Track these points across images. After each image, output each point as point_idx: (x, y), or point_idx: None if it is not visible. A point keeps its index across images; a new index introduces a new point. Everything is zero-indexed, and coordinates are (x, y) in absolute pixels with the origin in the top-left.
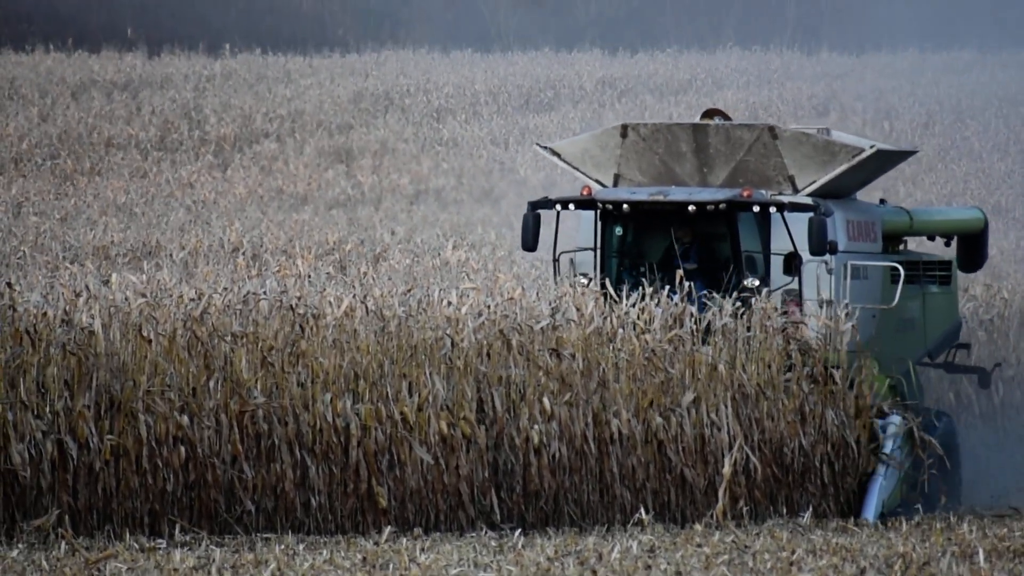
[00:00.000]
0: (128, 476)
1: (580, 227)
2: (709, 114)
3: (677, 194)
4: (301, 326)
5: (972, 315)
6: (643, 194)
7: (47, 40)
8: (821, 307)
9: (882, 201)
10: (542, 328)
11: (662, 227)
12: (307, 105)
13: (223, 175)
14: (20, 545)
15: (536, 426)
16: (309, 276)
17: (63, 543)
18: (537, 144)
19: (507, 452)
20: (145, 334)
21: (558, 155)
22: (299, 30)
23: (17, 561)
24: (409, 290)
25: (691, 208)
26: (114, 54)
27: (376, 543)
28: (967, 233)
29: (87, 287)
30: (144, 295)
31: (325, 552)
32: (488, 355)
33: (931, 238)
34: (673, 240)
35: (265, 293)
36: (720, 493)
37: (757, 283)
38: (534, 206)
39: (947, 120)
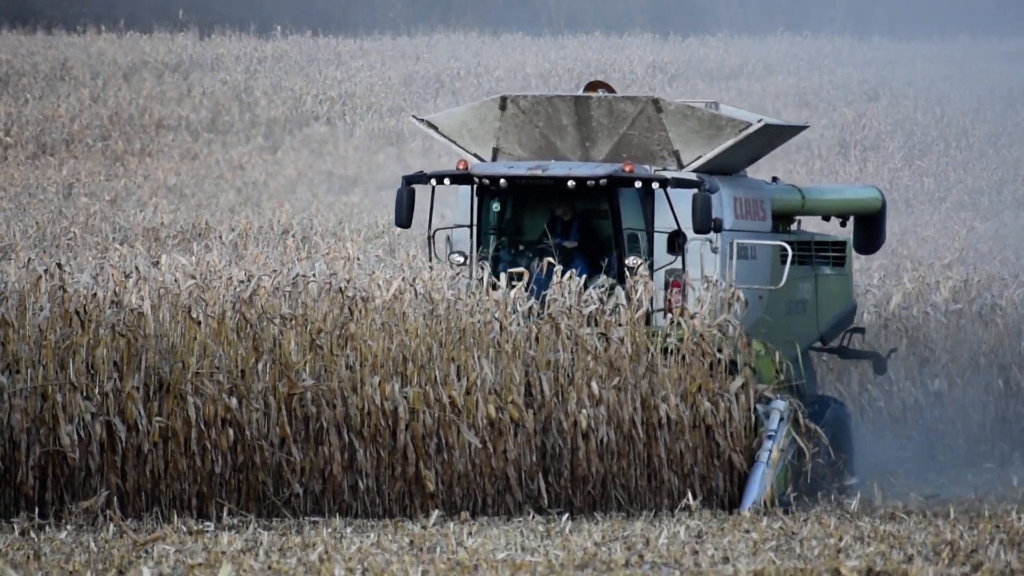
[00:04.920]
0: (176, 458)
1: (457, 203)
2: (592, 86)
3: (556, 169)
4: (350, 309)
5: None
6: (521, 168)
7: (99, 21)
8: (705, 287)
9: (774, 179)
10: (591, 312)
11: (541, 203)
12: (358, 87)
13: (273, 157)
14: (68, 527)
15: (584, 410)
16: (358, 259)
17: (111, 525)
18: (413, 116)
19: (555, 436)
20: (194, 316)
21: (435, 128)
22: (350, 12)
23: (65, 543)
24: (458, 274)
25: (570, 183)
26: (165, 35)
27: (423, 527)
28: (864, 213)
29: (137, 268)
30: (193, 277)
31: (372, 535)
32: (536, 339)
33: (827, 218)
34: (552, 217)
35: (314, 276)
36: (768, 479)
37: (639, 262)
38: (408, 180)
39: (998, 106)
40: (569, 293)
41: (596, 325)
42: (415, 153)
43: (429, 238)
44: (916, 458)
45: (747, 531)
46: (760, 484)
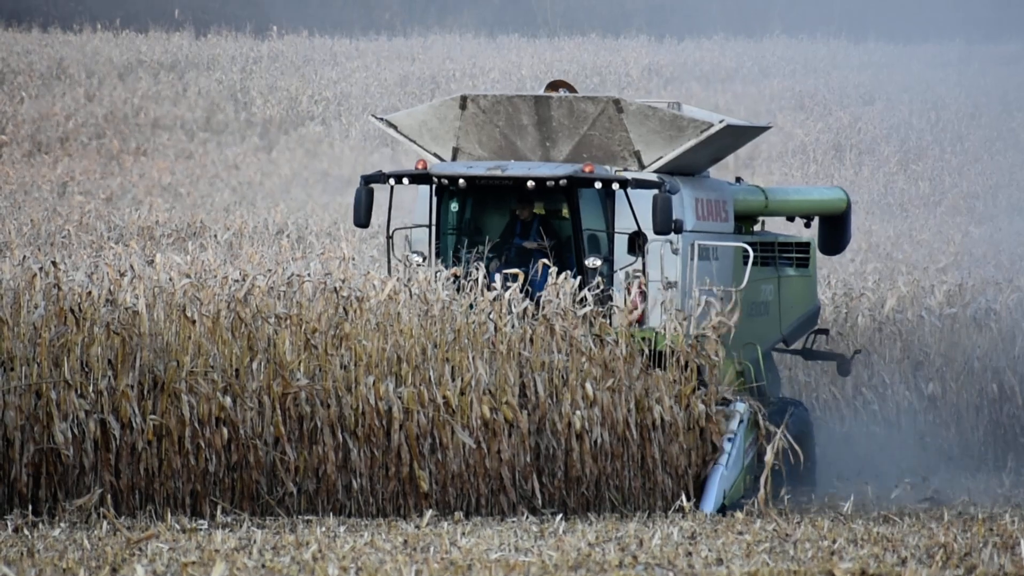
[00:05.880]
0: (170, 456)
1: (416, 203)
2: (554, 86)
3: (516, 169)
4: (345, 309)
5: None
6: (480, 168)
7: (95, 20)
8: (665, 289)
9: (738, 179)
10: (585, 314)
11: (501, 203)
12: (353, 88)
13: (268, 157)
14: (62, 524)
15: (578, 411)
16: (353, 259)
17: (105, 522)
18: (373, 116)
19: (549, 437)
20: (189, 315)
21: (395, 127)
22: (346, 13)
23: (59, 540)
24: (453, 274)
25: (530, 184)
26: (161, 34)
27: (417, 526)
28: (828, 214)
29: (132, 267)
30: (188, 276)
31: (366, 535)
32: (531, 340)
33: (791, 219)
34: (512, 217)
35: (309, 275)
36: (761, 481)
37: (599, 263)
38: (367, 180)
39: (994, 111)
40: (564, 294)
41: (591, 327)
42: (410, 154)
43: (388, 238)
44: (910, 461)
45: (740, 533)
46: (720, 486)
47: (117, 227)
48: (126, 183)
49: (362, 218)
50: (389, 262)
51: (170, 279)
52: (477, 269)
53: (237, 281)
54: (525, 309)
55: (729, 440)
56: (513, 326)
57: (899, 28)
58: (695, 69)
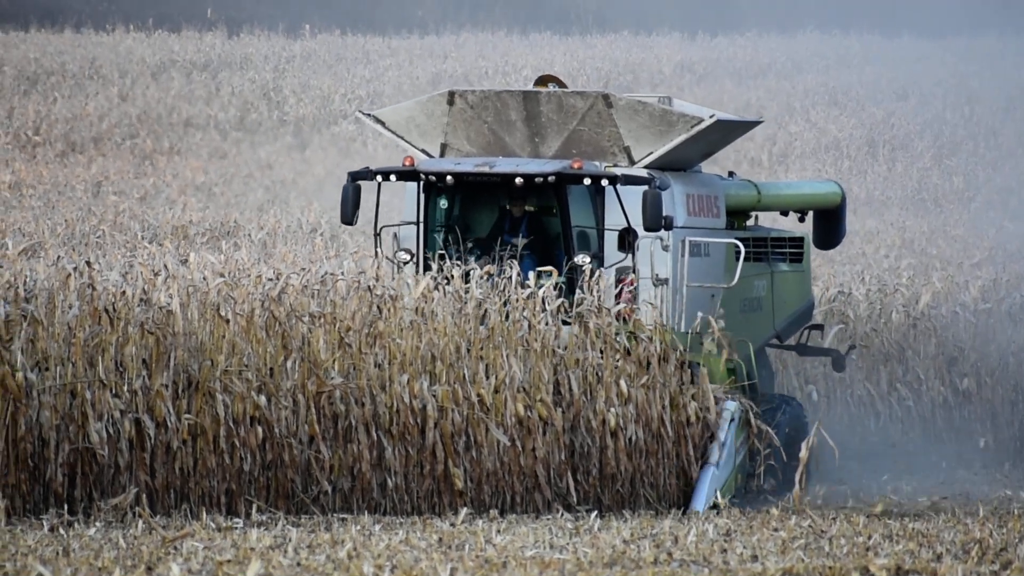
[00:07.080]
0: (205, 455)
1: (404, 200)
2: (543, 81)
3: (504, 165)
4: (379, 307)
5: None
6: (468, 165)
7: (127, 20)
8: (656, 286)
9: (731, 174)
10: (618, 311)
11: (489, 200)
12: (386, 87)
13: (302, 155)
14: (98, 523)
15: (613, 409)
16: (387, 257)
17: (140, 522)
18: (360, 112)
19: (583, 434)
20: (223, 314)
21: (382, 123)
22: (379, 11)
23: (95, 539)
24: (487, 272)
25: (518, 180)
26: (194, 34)
27: (452, 524)
28: (823, 208)
29: (166, 266)
30: (222, 275)
31: (401, 532)
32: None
33: (785, 214)
34: (501, 214)
35: (343, 274)
36: (796, 477)
37: (589, 260)
38: (354, 177)
39: None
40: (598, 291)
41: (624, 323)
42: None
43: (375, 235)
44: (945, 457)
45: (776, 529)
46: (711, 485)
47: (151, 227)
48: (160, 183)
49: (349, 215)
50: (377, 259)
51: (204, 278)
52: (511, 267)
53: (271, 280)
54: (559, 307)
55: (719, 439)
56: (547, 324)
57: (932, 22)
58: (728, 65)
